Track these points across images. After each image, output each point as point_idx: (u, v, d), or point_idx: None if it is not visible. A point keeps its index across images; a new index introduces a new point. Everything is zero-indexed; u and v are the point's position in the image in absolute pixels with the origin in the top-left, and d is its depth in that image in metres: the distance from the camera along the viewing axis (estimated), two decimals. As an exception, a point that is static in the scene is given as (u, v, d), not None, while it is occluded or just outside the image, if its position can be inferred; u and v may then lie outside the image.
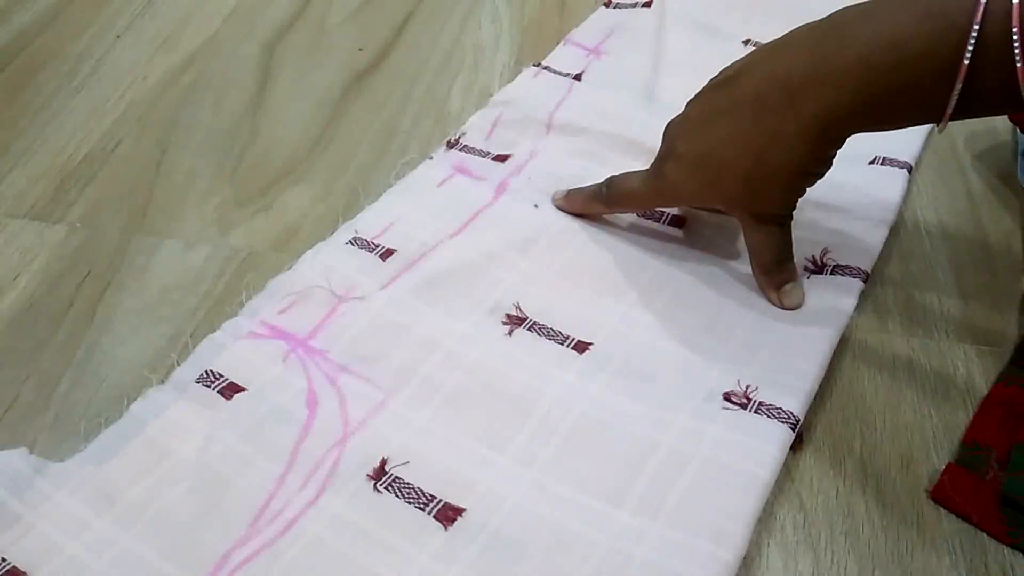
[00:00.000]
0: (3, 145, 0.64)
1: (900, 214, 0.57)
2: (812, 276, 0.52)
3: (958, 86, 0.40)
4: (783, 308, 0.50)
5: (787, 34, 0.46)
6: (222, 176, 0.62)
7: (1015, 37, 0.38)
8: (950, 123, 0.43)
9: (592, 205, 0.55)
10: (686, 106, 0.50)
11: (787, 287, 0.50)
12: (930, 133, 0.63)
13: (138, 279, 0.54)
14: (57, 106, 0.68)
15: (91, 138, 0.65)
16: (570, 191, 0.57)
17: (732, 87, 0.47)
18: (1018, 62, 0.38)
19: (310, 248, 0.54)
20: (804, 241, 0.53)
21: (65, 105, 0.68)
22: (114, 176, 0.62)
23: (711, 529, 0.40)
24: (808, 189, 0.48)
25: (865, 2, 0.44)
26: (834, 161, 0.47)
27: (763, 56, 0.46)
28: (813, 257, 0.53)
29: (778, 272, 0.50)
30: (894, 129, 0.45)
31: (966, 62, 0.39)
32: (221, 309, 0.52)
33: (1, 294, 0.53)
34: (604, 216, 0.56)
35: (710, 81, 0.49)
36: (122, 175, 0.62)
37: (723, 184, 0.48)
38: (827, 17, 0.44)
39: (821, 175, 0.48)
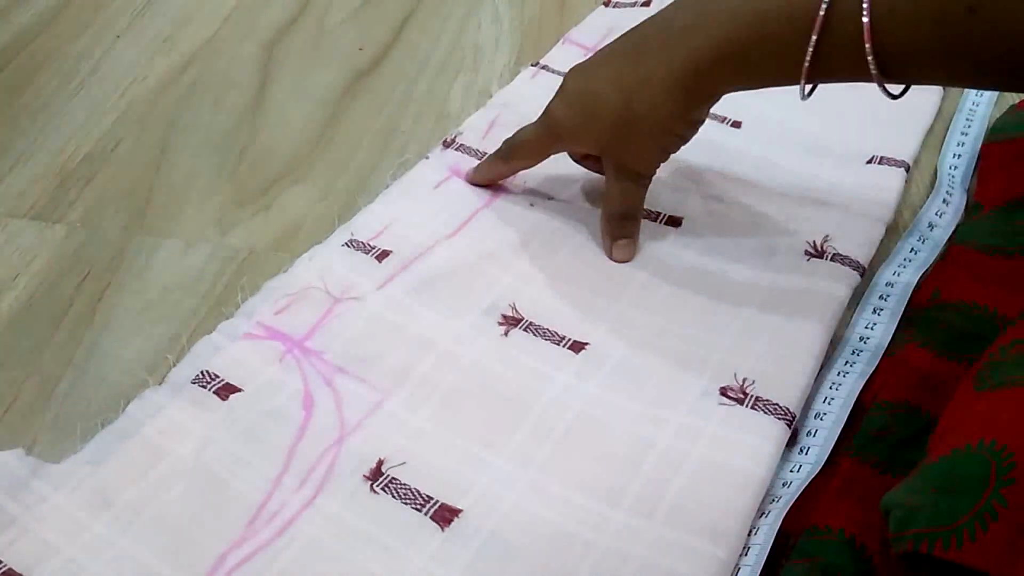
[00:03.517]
0: (3, 145, 0.64)
1: (898, 213, 0.57)
2: (812, 260, 0.52)
3: (813, 37, 0.41)
4: (612, 259, 0.53)
5: None
6: (222, 176, 0.62)
7: None
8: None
9: (495, 166, 0.57)
10: (597, 51, 0.52)
11: (622, 242, 0.53)
12: (928, 133, 0.63)
13: (138, 279, 0.54)
14: (57, 106, 0.68)
15: (91, 138, 0.65)
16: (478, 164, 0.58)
17: (629, 33, 0.49)
18: (864, 16, 0.40)
19: (310, 248, 0.54)
20: (803, 231, 0.54)
21: (65, 105, 0.68)
22: (114, 176, 0.62)
23: (708, 527, 0.40)
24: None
25: None
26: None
27: (663, 9, 0.48)
28: (814, 242, 0.53)
29: (620, 225, 0.53)
30: (761, 87, 0.46)
31: (821, 13, 0.41)
32: (221, 309, 0.52)
33: (1, 294, 0.53)
34: (599, 216, 0.56)
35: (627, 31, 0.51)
36: (122, 175, 0.62)
37: (595, 124, 0.50)
38: None
39: (685, 138, 0.50)
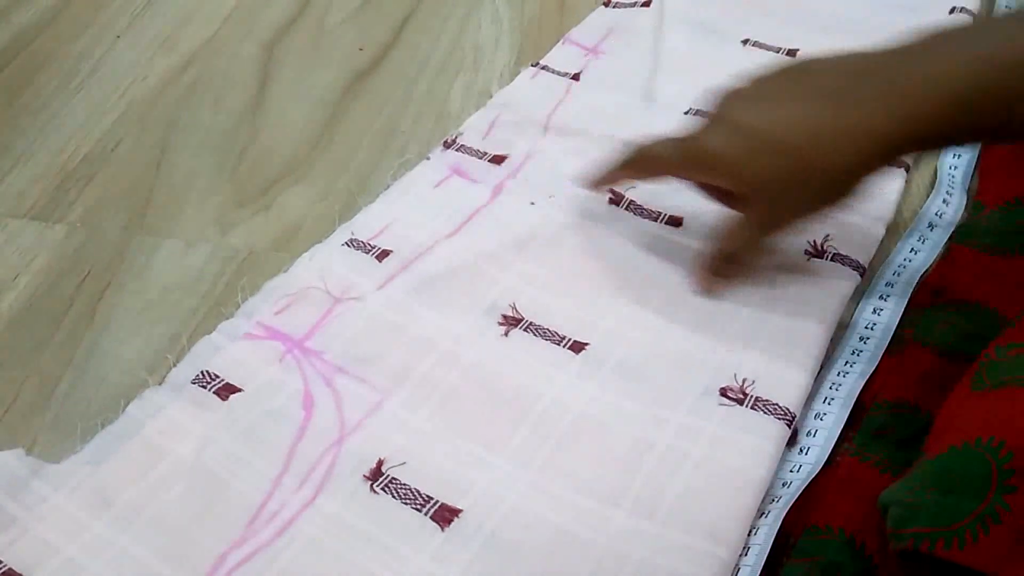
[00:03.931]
0: (3, 145, 0.64)
1: (898, 213, 0.57)
2: (812, 260, 0.52)
3: None
4: (697, 287, 0.51)
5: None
6: (222, 176, 0.62)
7: None
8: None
9: (621, 175, 0.54)
10: (749, 81, 0.48)
11: (717, 280, 0.51)
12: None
13: (138, 279, 0.54)
14: (57, 106, 0.68)
15: (91, 138, 0.65)
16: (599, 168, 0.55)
17: (808, 77, 0.46)
18: None
19: (310, 248, 0.54)
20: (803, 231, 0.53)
21: (65, 105, 0.68)
22: (114, 176, 0.62)
23: (708, 527, 0.40)
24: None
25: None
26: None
27: (854, 57, 0.46)
28: (814, 242, 0.53)
29: (723, 266, 0.51)
30: (962, 144, 0.44)
31: None
32: (221, 309, 0.52)
33: (1, 294, 0.53)
34: (600, 216, 0.56)
35: (779, 67, 0.48)
36: (122, 175, 0.62)
37: (765, 162, 0.46)
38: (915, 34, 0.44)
39: (845, 201, 0.46)
